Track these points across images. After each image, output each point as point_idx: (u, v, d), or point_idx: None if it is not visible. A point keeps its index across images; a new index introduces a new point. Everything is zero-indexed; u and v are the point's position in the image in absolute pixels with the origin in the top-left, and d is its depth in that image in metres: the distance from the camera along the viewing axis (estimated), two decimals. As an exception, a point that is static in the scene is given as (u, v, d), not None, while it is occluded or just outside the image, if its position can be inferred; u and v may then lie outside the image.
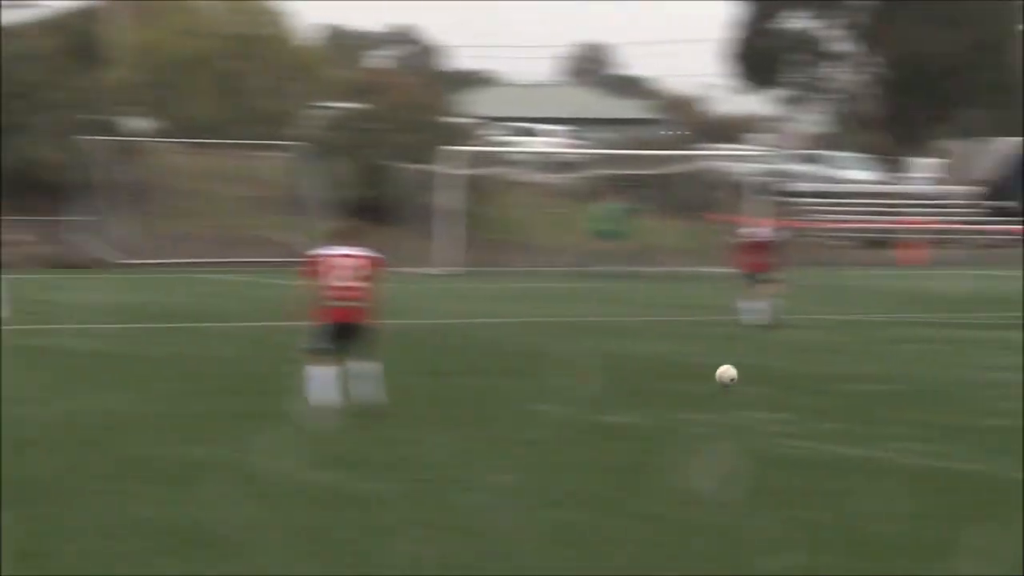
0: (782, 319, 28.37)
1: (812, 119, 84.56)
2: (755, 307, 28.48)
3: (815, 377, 22.12)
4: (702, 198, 56.26)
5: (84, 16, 73.61)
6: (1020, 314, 29.09)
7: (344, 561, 10.87)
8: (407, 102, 58.25)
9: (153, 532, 11.55)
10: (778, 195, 62.04)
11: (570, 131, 72.19)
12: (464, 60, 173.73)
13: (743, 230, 30.02)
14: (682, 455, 15.23)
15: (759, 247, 29.13)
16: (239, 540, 11.23)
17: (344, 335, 17.17)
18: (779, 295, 28.77)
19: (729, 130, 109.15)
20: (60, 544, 10.96)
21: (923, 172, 74.09)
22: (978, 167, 65.45)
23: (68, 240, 47.73)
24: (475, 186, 51.93)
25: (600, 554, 11.22)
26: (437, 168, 50.03)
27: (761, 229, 30.03)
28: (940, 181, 69.56)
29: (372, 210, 52.98)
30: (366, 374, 17.16)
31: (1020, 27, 69.84)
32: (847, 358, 24.67)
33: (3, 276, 27.93)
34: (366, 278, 17.27)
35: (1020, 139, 67.23)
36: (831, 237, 58.80)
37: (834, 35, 66.36)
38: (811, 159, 73.04)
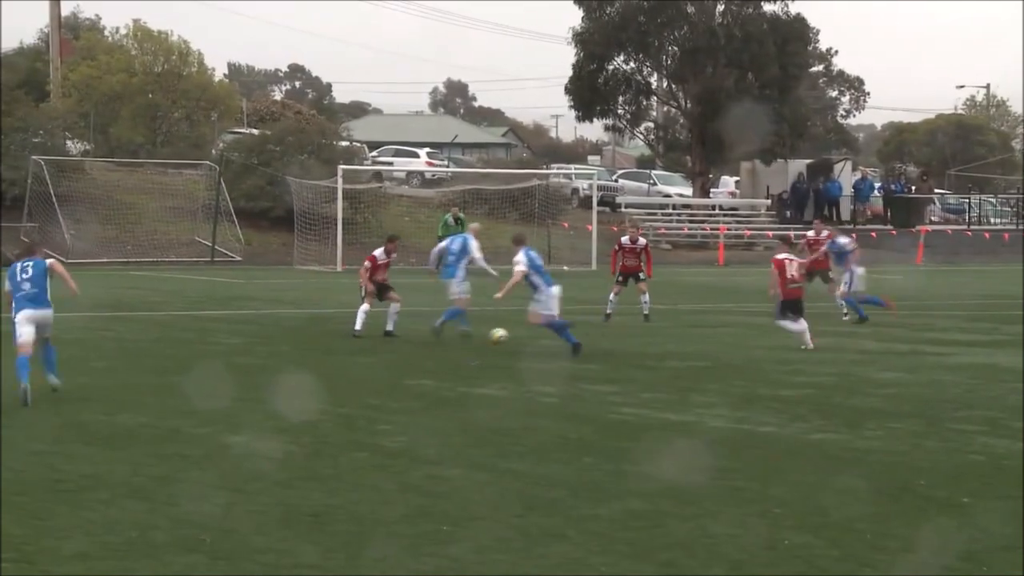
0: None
1: (634, 143, 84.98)
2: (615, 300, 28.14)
3: (640, 355, 22.26)
4: (550, 208, 56.56)
5: (30, 56, 72.79)
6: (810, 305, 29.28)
7: (262, 499, 10.87)
8: (300, 128, 58.10)
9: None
10: (611, 206, 62.63)
11: (438, 153, 72.19)
12: (349, 93, 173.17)
13: (622, 238, 29.17)
14: (536, 420, 15.37)
15: (632, 252, 28.62)
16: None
17: None
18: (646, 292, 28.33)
19: (569, 152, 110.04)
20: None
21: (726, 187, 75.08)
22: (772, 183, 66.33)
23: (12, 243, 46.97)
24: (358, 198, 51.91)
25: (469, 502, 11.27)
26: (329, 183, 49.86)
27: (635, 236, 29.05)
28: (740, 194, 70.50)
29: (272, 218, 52.93)
30: None
31: (806, 70, 70.87)
32: (664, 340, 24.82)
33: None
34: None
35: (807, 160, 68.39)
36: (654, 240, 59.24)
37: (649, 75, 67.02)
38: (635, 176, 73.76)
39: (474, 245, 24.52)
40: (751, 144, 63.47)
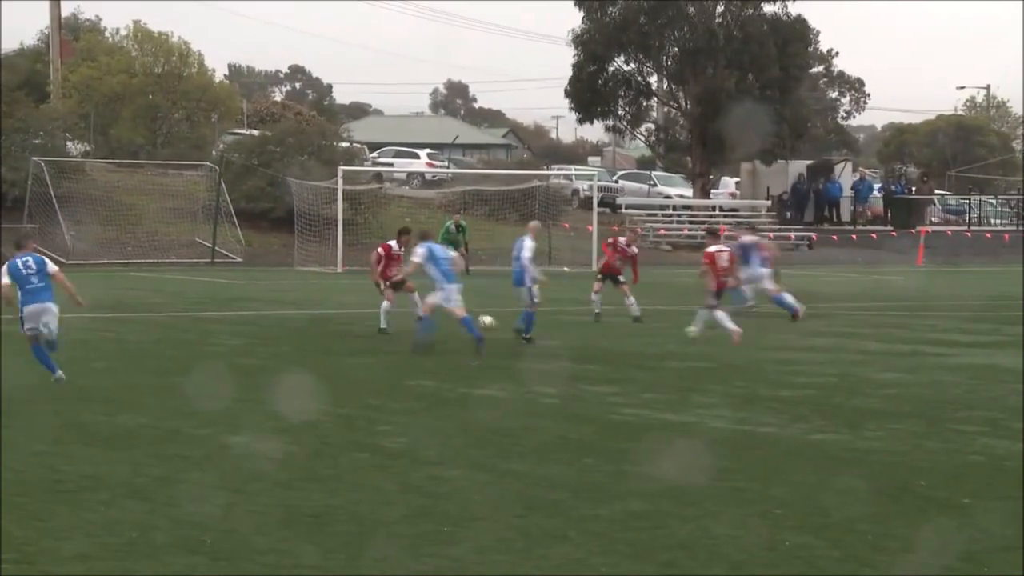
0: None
1: (635, 144, 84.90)
2: (598, 299, 28.24)
3: (640, 356, 22.27)
4: (551, 209, 56.53)
5: (30, 57, 72.82)
6: (803, 304, 29.29)
7: (261, 502, 10.87)
8: (301, 129, 58.11)
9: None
10: (611, 207, 62.65)
11: (438, 154, 72.21)
12: (349, 94, 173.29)
13: (620, 237, 29.35)
14: (537, 421, 15.37)
15: (623, 254, 28.66)
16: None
17: None
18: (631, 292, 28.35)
19: (570, 153, 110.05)
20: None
21: (726, 188, 75.07)
22: (772, 183, 66.37)
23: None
24: (358, 199, 51.89)
25: (469, 503, 11.27)
26: (329, 184, 49.84)
27: (632, 240, 29.26)
28: (740, 195, 70.51)
29: (273, 220, 52.93)
30: None
31: (806, 71, 70.88)
32: (664, 340, 24.79)
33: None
34: None
35: (807, 161, 68.46)
36: (655, 241, 59.40)
37: (649, 76, 66.99)
38: (635, 177, 73.79)
39: (527, 245, 24.29)
40: (751, 145, 63.48)
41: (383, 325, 24.66)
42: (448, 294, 22.17)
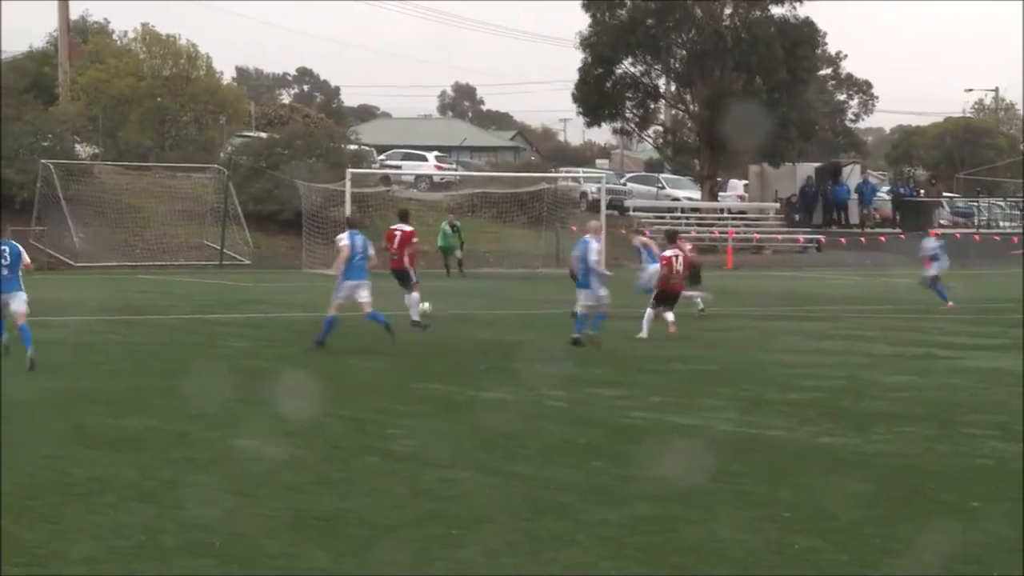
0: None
1: (642, 147, 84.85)
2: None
3: (646, 359, 22.26)
4: (559, 211, 56.50)
5: (39, 59, 72.91)
6: (811, 307, 29.37)
7: (271, 505, 10.88)
8: (309, 131, 58.17)
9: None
10: (620, 209, 62.63)
11: (446, 157, 72.30)
12: (357, 97, 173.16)
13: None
14: (544, 424, 15.36)
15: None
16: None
17: None
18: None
19: (577, 155, 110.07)
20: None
21: (734, 191, 75.08)
22: (780, 186, 66.37)
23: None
24: (366, 201, 51.92)
25: (478, 506, 11.28)
26: (337, 187, 49.88)
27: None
28: (749, 198, 70.53)
29: (281, 222, 52.97)
30: None
31: (814, 74, 70.84)
32: (670, 343, 24.76)
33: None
34: None
35: (815, 164, 68.47)
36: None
37: (656, 79, 67.01)
38: (643, 179, 73.79)
39: (594, 248, 24.09)
40: (759, 148, 63.48)
41: (417, 318, 24.68)
42: (356, 288, 22.27)
